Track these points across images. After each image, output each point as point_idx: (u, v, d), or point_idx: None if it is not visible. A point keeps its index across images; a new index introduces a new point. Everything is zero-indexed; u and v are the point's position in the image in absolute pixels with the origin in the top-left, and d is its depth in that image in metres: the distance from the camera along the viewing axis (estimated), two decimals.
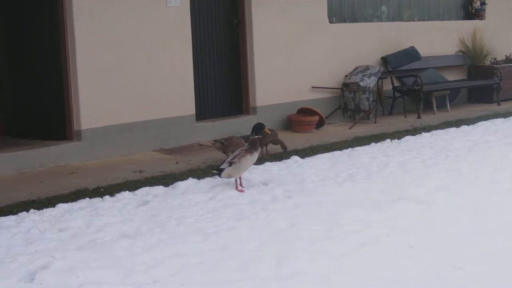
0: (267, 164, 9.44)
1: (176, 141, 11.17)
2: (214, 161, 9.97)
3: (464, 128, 12.28)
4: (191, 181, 8.55)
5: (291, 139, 11.38)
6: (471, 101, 16.29)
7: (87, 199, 7.86)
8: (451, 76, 15.80)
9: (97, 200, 7.84)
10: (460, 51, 16.21)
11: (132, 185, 8.56)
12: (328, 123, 13.04)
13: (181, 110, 11.22)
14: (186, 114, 11.29)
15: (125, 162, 10.09)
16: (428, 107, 14.48)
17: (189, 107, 11.35)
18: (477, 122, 13.00)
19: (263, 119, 11.85)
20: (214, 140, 9.95)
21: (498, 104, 15.74)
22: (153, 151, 10.86)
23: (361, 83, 12.98)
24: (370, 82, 13.00)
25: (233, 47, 12.27)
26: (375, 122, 13.27)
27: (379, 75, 13.20)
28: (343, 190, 8.17)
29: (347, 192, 8.07)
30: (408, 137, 11.38)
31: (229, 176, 8.16)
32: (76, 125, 10.14)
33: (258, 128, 8.38)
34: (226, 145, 9.67)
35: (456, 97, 15.65)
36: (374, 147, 10.68)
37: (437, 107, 14.62)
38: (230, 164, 8.07)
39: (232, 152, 9.15)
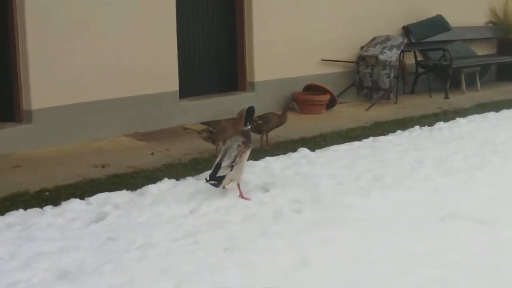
0: (268, 159, 7.31)
1: (155, 124, 9.05)
2: (200, 152, 7.87)
3: (506, 113, 10.17)
4: (166, 184, 6.44)
5: (297, 123, 9.25)
6: (501, 79, 14.11)
7: (21, 211, 5.73)
8: (479, 50, 13.66)
9: (34, 212, 5.73)
10: (490, 22, 14.03)
11: (88, 188, 6.48)
12: (340, 103, 10.88)
13: (161, 85, 9.09)
14: (167, 91, 9.18)
15: (87, 152, 7.96)
16: (455, 86, 12.32)
17: (171, 82, 9.21)
18: None
19: (262, 97, 9.81)
20: (200, 130, 7.90)
21: None
22: (125, 136, 8.74)
23: (381, 57, 10.83)
24: (391, 55, 10.85)
25: (228, 10, 10.09)
26: (395, 103, 11.15)
27: (402, 47, 11.04)
28: (370, 202, 6.11)
29: (376, 205, 6.03)
30: (441, 124, 9.25)
31: (230, 182, 6.27)
32: (26, 104, 8.04)
33: (252, 114, 6.49)
34: (215, 134, 7.55)
35: (485, 75, 13.48)
36: (401, 137, 8.55)
37: (460, 85, 12.48)
38: (231, 167, 6.09)
39: (223, 141, 7.30)
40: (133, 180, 6.76)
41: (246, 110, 6.56)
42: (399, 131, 8.82)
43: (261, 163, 7.13)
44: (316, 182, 6.56)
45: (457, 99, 11.70)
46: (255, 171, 6.86)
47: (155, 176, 6.81)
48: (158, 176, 6.78)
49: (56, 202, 5.96)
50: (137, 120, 8.89)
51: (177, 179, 6.65)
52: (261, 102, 9.76)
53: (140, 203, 5.91)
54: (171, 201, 5.96)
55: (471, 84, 12.67)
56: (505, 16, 14.02)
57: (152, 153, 7.85)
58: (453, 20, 12.45)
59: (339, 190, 6.38)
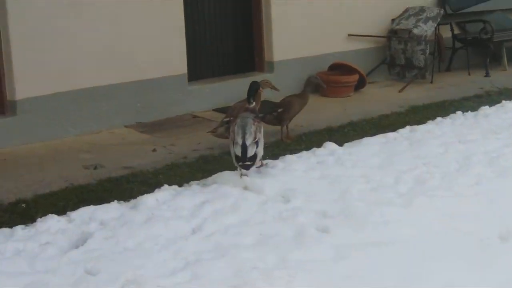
0: (288, 158, 6.18)
1: (160, 112, 7.97)
2: (209, 147, 6.80)
3: None
4: (166, 193, 5.36)
5: (322, 108, 8.15)
6: None
7: None
8: None
9: (1, 235, 4.65)
10: None
11: (73, 197, 5.49)
12: (370, 83, 9.71)
13: (167, 68, 7.99)
14: (174, 74, 8.08)
15: (79, 148, 6.92)
16: (494, 61, 11.09)
17: (178, 64, 8.10)
18: None
19: (282, 78, 8.73)
20: (214, 128, 6.72)
21: None
22: (125, 126, 7.68)
23: (415, 30, 9.63)
24: (426, 29, 9.65)
25: None
26: (431, 82, 9.95)
27: (439, 19, 9.82)
28: (413, 215, 5.00)
29: (421, 219, 4.92)
30: (486, 109, 8.04)
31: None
32: (9, 94, 6.96)
33: (255, 89, 5.94)
34: (226, 128, 6.47)
35: None
36: (442, 126, 7.38)
37: (500, 60, 11.24)
38: (257, 144, 5.57)
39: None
40: (128, 186, 5.72)
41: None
42: (439, 118, 7.64)
43: (280, 163, 6.00)
44: (347, 187, 5.45)
45: (499, 77, 10.47)
46: (272, 174, 5.75)
47: (154, 181, 5.77)
48: (158, 181, 5.75)
49: (31, 218, 4.92)
50: (140, 108, 7.81)
51: (180, 185, 5.59)
52: (281, 83, 8.56)
53: (132, 220, 4.83)
54: (170, 216, 4.89)
55: (511, 58, 11.40)
56: None
57: (154, 150, 6.78)
58: None
59: (375, 198, 5.27)
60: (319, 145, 6.66)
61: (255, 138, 5.56)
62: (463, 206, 5.16)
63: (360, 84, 9.35)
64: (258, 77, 8.70)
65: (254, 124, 5.61)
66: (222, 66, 8.84)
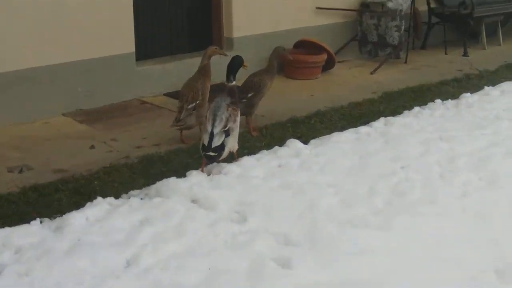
0: (245, 161, 5.29)
1: (104, 97, 7.07)
2: (156, 143, 5.92)
3: None
4: (99, 208, 4.47)
5: (286, 93, 7.32)
6: None
7: None
8: None
9: None
10: None
11: None
12: (339, 62, 8.86)
13: (112, 46, 7.07)
14: (119, 53, 7.13)
15: (5, 143, 5.98)
16: (472, 38, 10.28)
17: (124, 40, 7.16)
18: None
19: (243, 55, 7.68)
20: (178, 120, 5.83)
21: None
22: (63, 115, 6.75)
23: (389, 4, 8.81)
24: (402, 2, 8.81)
25: None
26: (405, 62, 9.12)
27: None
28: (392, 240, 4.21)
29: (401, 246, 4.11)
30: (468, 97, 7.25)
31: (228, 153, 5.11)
32: None
33: (238, 64, 5.28)
34: (196, 116, 5.81)
35: (506, 24, 11.42)
36: (421, 118, 6.58)
37: (478, 37, 10.50)
38: (227, 132, 5.00)
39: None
40: (57, 196, 4.85)
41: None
42: (416, 108, 6.84)
43: (235, 168, 5.13)
44: (313, 201, 4.64)
45: (478, 56, 9.72)
46: (227, 182, 4.89)
47: (88, 189, 4.91)
48: (92, 189, 4.90)
49: None
50: (80, 93, 6.88)
51: (117, 196, 4.73)
52: None
53: (54, 248, 3.95)
54: (100, 243, 4.01)
55: (489, 35, 10.63)
56: None
57: (92, 146, 5.88)
58: None
59: (346, 216, 4.46)
60: (282, 141, 5.82)
61: (225, 126, 4.98)
62: (450, 227, 4.39)
63: (329, 65, 8.50)
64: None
65: (227, 110, 5.03)
66: (176, 43, 7.91)
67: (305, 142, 5.82)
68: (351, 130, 6.14)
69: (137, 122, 6.51)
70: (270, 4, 8.29)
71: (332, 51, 8.48)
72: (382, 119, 6.45)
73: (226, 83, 5.19)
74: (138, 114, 6.77)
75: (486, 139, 5.98)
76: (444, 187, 4.97)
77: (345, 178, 5.08)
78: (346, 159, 5.43)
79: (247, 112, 6.17)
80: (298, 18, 8.67)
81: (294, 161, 5.34)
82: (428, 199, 4.77)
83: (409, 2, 8.87)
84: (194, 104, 5.78)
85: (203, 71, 5.91)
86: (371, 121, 6.46)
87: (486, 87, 7.65)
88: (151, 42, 7.66)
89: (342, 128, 6.31)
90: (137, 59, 7.34)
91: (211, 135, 4.95)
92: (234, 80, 5.20)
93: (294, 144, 5.66)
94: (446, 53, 9.75)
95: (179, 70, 7.57)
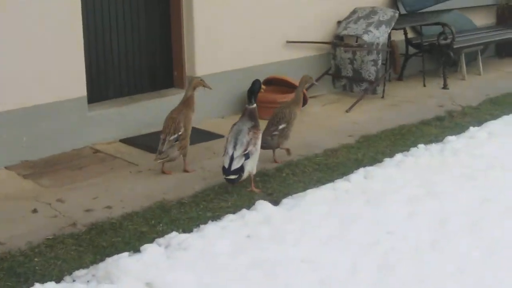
0: (208, 229, 4.63)
1: (52, 146, 6.35)
2: (108, 204, 5.20)
3: None
4: None
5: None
6: (501, 54, 11.51)
7: None
8: (477, 21, 11.02)
9: None
10: None
11: None
12: (312, 97, 8.22)
13: (61, 90, 6.34)
14: (70, 97, 6.40)
15: None
16: (449, 66, 9.64)
17: (75, 84, 6.45)
18: None
19: (207, 96, 7.13)
20: (158, 153, 5.73)
21: None
22: (6, 168, 6.03)
23: (365, 37, 8.15)
24: (378, 35, 8.19)
25: None
26: (383, 97, 8.50)
27: (393, 23, 8.36)
28: None
29: None
30: (453, 141, 6.64)
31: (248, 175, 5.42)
32: None
33: (258, 88, 5.68)
34: (179, 147, 5.79)
35: (485, 51, 10.89)
36: (404, 168, 5.95)
37: (457, 65, 9.95)
38: (246, 156, 5.29)
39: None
40: None
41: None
42: (398, 156, 6.21)
43: (197, 240, 4.43)
44: (288, 285, 3.96)
45: (458, 88, 9.14)
46: (186, 261, 4.21)
47: (26, 270, 4.23)
48: (30, 269, 4.26)
49: None
50: (26, 143, 6.15)
51: (60, 277, 4.13)
52: (205, 103, 7.13)
53: None
54: None
55: (468, 63, 10.07)
56: None
57: (35, 210, 5.14)
58: None
59: None
60: (250, 201, 5.18)
61: (245, 150, 5.27)
62: None
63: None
64: (178, 96, 7.16)
65: (248, 134, 5.35)
66: (133, 83, 7.20)
67: (277, 201, 5.18)
68: (328, 185, 5.49)
69: (88, 176, 5.80)
70: (237, 39, 7.64)
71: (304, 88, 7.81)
72: (361, 171, 5.81)
73: (246, 106, 5.52)
74: (89, 166, 6.05)
75: (478, 194, 5.40)
76: (437, 260, 4.34)
77: (324, 251, 4.43)
78: (323, 226, 4.77)
79: (280, 143, 6.13)
80: (268, 52, 8.01)
81: (265, 230, 4.67)
82: (419, 276, 4.18)
83: (386, 35, 8.24)
84: (176, 135, 5.69)
85: (187, 103, 5.90)
86: (349, 172, 5.83)
87: (471, 128, 7.07)
88: (105, 83, 6.95)
89: (317, 182, 5.66)
90: (90, 102, 6.63)
91: (231, 158, 5.23)
92: (255, 102, 5.52)
93: (264, 207, 4.99)
94: (424, 85, 9.15)
95: (136, 113, 6.91)
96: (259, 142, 5.45)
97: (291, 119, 6.12)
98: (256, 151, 5.39)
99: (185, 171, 5.87)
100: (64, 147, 6.38)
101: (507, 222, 4.90)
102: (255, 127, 5.44)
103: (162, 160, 5.71)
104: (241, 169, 5.24)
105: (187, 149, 5.82)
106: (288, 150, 6.25)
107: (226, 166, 5.24)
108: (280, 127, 6.07)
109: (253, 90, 5.57)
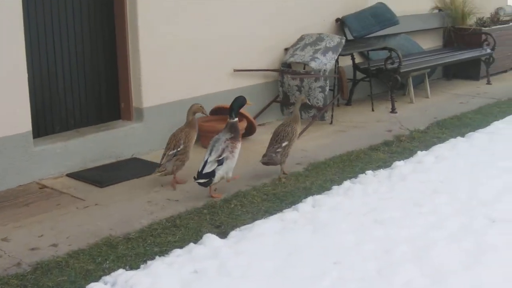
0: (155, 266, 4.57)
1: None
2: (54, 242, 5.12)
3: (476, 139, 7.69)
4: None
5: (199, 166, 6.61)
6: (448, 76, 11.75)
7: None
8: (424, 44, 11.24)
9: None
10: (436, 7, 11.60)
11: None
12: (260, 125, 8.25)
13: (5, 126, 6.23)
14: (13, 133, 6.29)
15: None
16: (396, 89, 9.74)
17: (19, 119, 6.34)
18: (485, 123, 8.44)
19: (154, 127, 7.28)
20: (161, 168, 6.18)
21: (489, 83, 11.28)
22: None
23: (312, 64, 8.21)
24: (326, 61, 8.26)
25: (103, 12, 7.24)
26: (331, 123, 8.55)
27: (340, 50, 8.43)
28: None
29: None
30: (400, 166, 6.72)
31: (221, 180, 5.88)
32: None
33: (241, 103, 6.15)
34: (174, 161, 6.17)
35: (433, 74, 11.08)
36: (351, 196, 5.98)
37: (405, 88, 10.12)
38: (220, 161, 5.73)
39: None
40: None
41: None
42: (346, 183, 6.25)
43: (144, 278, 4.38)
44: None
45: (407, 112, 9.26)
46: None
47: None
48: None
49: None
50: None
51: None
52: (152, 134, 7.12)
53: None
54: None
55: (416, 85, 10.22)
56: (452, 0, 11.60)
57: None
58: (394, 7, 9.88)
59: None
60: (197, 234, 5.16)
61: (220, 156, 5.68)
62: None
63: (249, 131, 7.84)
64: (125, 128, 7.18)
65: (224, 142, 5.75)
66: (79, 116, 7.13)
67: (225, 233, 5.16)
68: (276, 216, 5.48)
69: (34, 213, 5.70)
70: (184, 69, 7.63)
71: (251, 117, 7.83)
72: (309, 200, 5.82)
73: (228, 120, 5.90)
74: (36, 202, 5.96)
75: (424, 220, 5.44)
76: None
77: (270, 284, 4.40)
78: (270, 258, 4.75)
79: (282, 160, 6.45)
80: (216, 82, 8.02)
81: (212, 266, 4.62)
82: None
83: (333, 61, 8.32)
84: (175, 150, 6.11)
85: (190, 124, 6.33)
86: (298, 201, 5.84)
87: (419, 152, 7.17)
88: (50, 117, 6.87)
89: (265, 212, 5.66)
90: (36, 136, 6.56)
91: (204, 163, 5.66)
92: (236, 117, 5.95)
93: (211, 241, 4.96)
94: (373, 110, 9.26)
95: (83, 146, 6.82)
96: (236, 151, 5.85)
97: (294, 136, 6.48)
98: (233, 157, 5.80)
99: (172, 184, 6.25)
100: (9, 184, 6.27)
101: (452, 248, 4.93)
102: (233, 138, 5.85)
103: (160, 173, 6.09)
104: (212, 174, 5.66)
105: (183, 164, 6.21)
106: (285, 173, 6.58)
107: (199, 170, 5.66)
108: (283, 144, 6.40)
109: (233, 106, 6.00)
